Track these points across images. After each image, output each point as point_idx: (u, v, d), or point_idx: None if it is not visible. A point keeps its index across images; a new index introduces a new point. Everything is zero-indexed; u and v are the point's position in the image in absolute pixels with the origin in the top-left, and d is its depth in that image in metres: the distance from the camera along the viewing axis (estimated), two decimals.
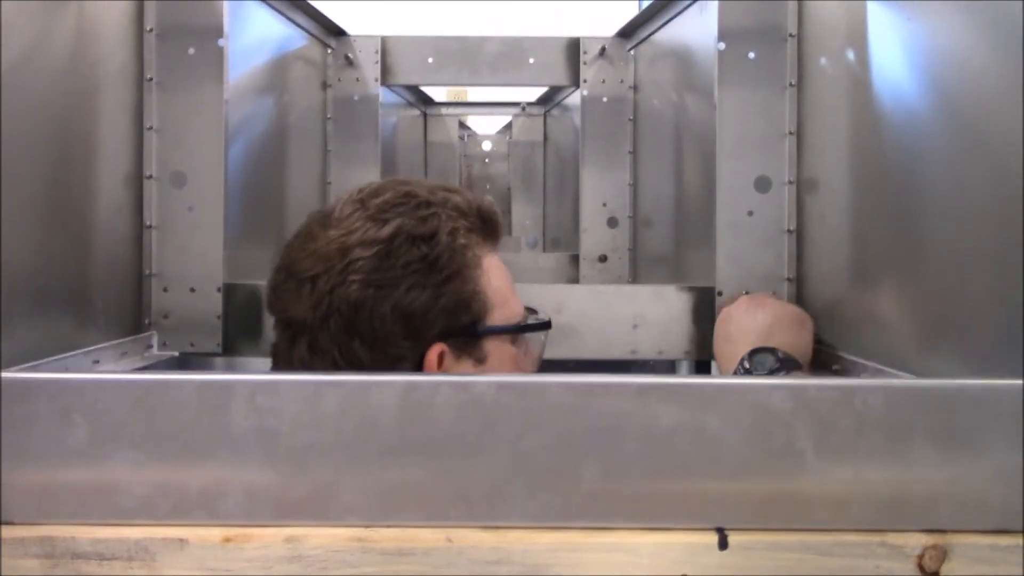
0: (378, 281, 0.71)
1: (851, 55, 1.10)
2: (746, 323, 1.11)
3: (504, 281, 0.78)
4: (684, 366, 1.66)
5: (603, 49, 1.79)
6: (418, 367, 0.72)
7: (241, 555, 0.50)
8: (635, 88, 1.78)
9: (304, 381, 0.52)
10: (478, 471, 0.51)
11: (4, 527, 0.51)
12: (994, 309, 0.80)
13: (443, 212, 0.75)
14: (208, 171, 1.25)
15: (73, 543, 0.50)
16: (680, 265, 1.54)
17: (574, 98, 1.93)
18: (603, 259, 1.81)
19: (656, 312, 1.30)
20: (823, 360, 1.14)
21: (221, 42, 1.24)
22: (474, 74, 1.82)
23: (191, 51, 1.24)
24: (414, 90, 2.24)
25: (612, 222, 1.80)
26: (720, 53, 1.27)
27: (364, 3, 2.35)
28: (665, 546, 0.51)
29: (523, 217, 2.42)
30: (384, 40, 1.80)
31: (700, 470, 0.51)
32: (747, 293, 1.27)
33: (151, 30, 1.23)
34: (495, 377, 0.53)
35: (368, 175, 1.78)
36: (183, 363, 1.27)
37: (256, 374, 0.53)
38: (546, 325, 0.81)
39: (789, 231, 1.26)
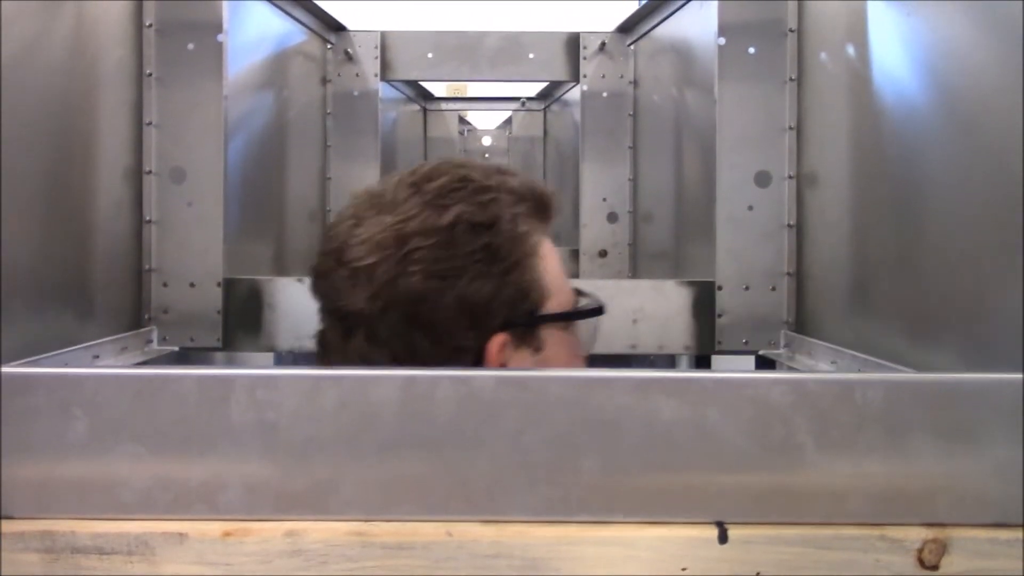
0: (441, 272, 0.68)
1: (851, 50, 1.10)
2: None
3: (558, 266, 0.75)
4: (684, 360, 1.66)
5: (603, 44, 1.79)
6: (479, 358, 0.70)
7: (241, 549, 0.50)
8: (635, 83, 1.78)
9: (303, 376, 0.52)
10: (478, 465, 0.51)
11: (4, 521, 0.51)
12: (993, 303, 0.80)
13: (502, 197, 0.72)
14: (208, 166, 1.24)
15: (73, 537, 0.50)
16: (680, 260, 1.54)
17: (574, 93, 1.93)
18: (603, 254, 1.81)
19: (656, 307, 1.30)
20: (821, 355, 1.14)
21: (220, 38, 1.24)
22: (474, 69, 1.82)
23: (190, 47, 1.24)
24: (414, 85, 2.23)
25: (612, 217, 1.80)
26: (720, 48, 1.26)
27: None
28: (665, 540, 0.51)
29: None
30: (383, 35, 1.80)
31: (700, 464, 0.51)
32: (747, 288, 1.27)
33: (150, 26, 1.23)
34: (495, 372, 0.53)
35: (368, 170, 1.78)
36: (183, 358, 1.27)
37: (255, 368, 0.53)
38: (600, 310, 0.77)
39: (789, 226, 1.26)
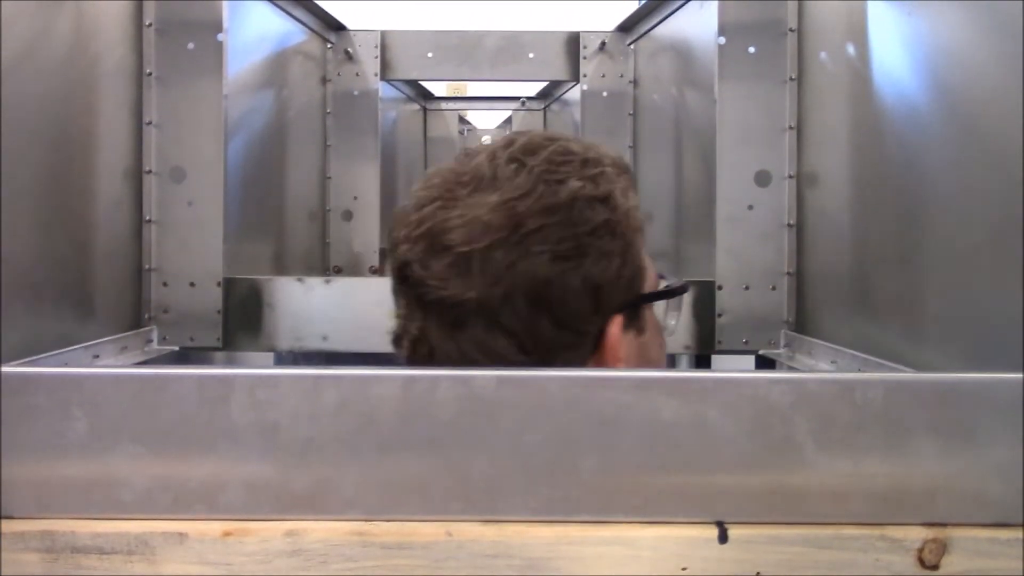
0: (565, 252, 0.63)
1: (851, 49, 1.10)
2: None
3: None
4: (684, 360, 1.66)
5: (603, 44, 1.79)
6: (597, 343, 0.66)
7: (241, 549, 0.50)
8: (635, 83, 1.78)
9: (303, 375, 0.52)
10: (478, 465, 0.51)
11: (4, 521, 0.51)
12: (993, 302, 0.80)
13: (607, 170, 0.67)
14: (208, 166, 1.24)
15: (73, 537, 0.50)
16: (680, 259, 1.54)
17: (574, 93, 1.93)
18: None
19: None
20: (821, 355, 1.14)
21: (220, 37, 1.24)
22: (474, 69, 1.82)
23: (190, 46, 1.24)
24: (414, 85, 2.23)
25: None
26: (720, 47, 1.26)
27: None
28: (665, 540, 0.51)
29: None
30: (384, 35, 1.80)
31: (700, 464, 0.51)
32: (747, 288, 1.27)
33: (150, 25, 1.23)
34: (495, 371, 0.53)
35: (368, 170, 1.78)
36: (183, 358, 1.27)
37: (255, 368, 0.53)
38: (686, 287, 0.74)
39: (789, 225, 1.26)
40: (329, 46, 1.76)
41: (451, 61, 1.80)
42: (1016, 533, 0.51)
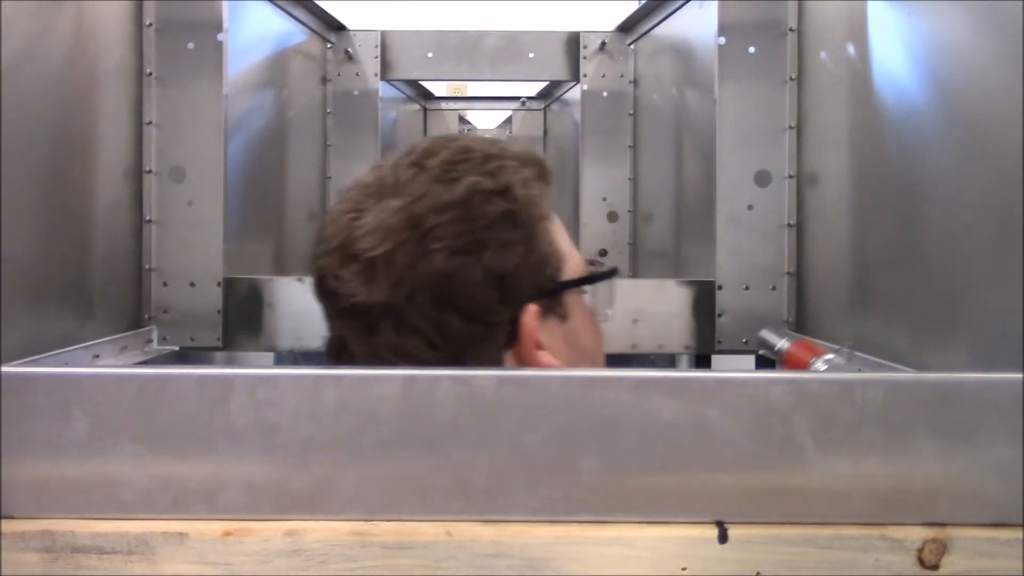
0: (464, 246, 0.65)
1: (851, 49, 1.10)
2: None
3: (565, 233, 0.73)
4: (684, 360, 1.66)
5: (603, 44, 1.79)
6: (513, 333, 0.67)
7: (241, 549, 0.50)
8: (635, 83, 1.78)
9: (303, 375, 0.52)
10: (478, 465, 0.51)
11: (4, 521, 0.51)
12: (994, 303, 0.80)
13: (508, 164, 0.69)
14: (208, 166, 1.25)
15: (73, 537, 0.50)
16: (680, 259, 1.54)
17: (574, 93, 1.93)
18: (603, 253, 1.81)
19: (656, 306, 1.30)
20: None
21: (220, 37, 1.24)
22: (474, 69, 1.82)
23: (190, 46, 1.24)
24: (414, 84, 2.23)
25: (612, 216, 1.80)
26: (720, 47, 1.27)
27: None
28: (665, 540, 0.51)
29: None
30: (384, 35, 1.80)
31: (700, 464, 0.51)
32: (747, 288, 1.27)
33: (150, 25, 1.23)
34: (495, 371, 0.52)
35: None
36: (183, 358, 1.27)
37: (255, 368, 0.53)
38: (616, 271, 0.75)
39: (789, 225, 1.26)
40: (329, 46, 1.76)
41: (451, 61, 1.80)
42: (1016, 533, 0.51)
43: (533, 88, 2.38)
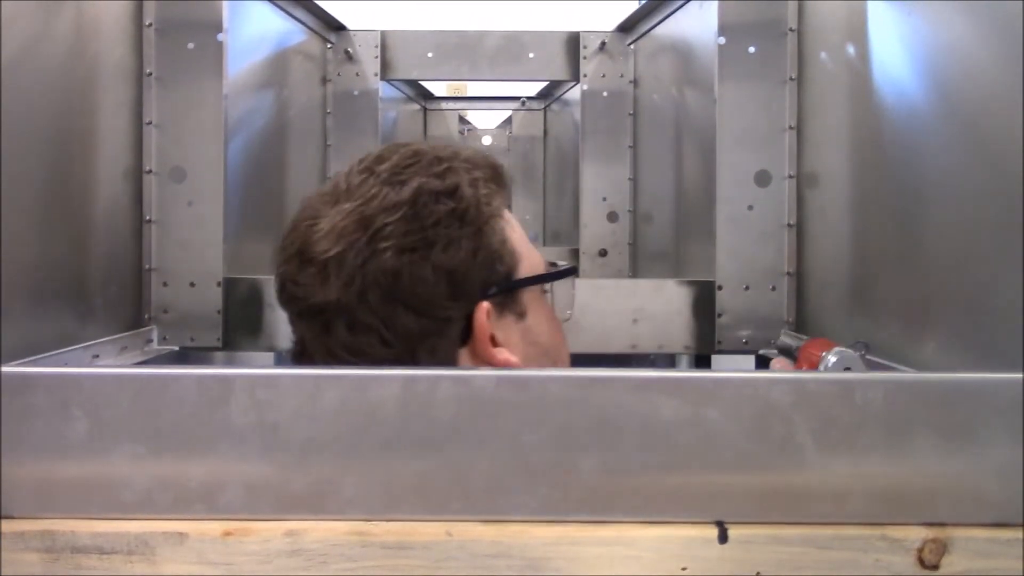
0: (412, 244, 0.67)
1: (851, 49, 1.10)
2: None
3: (523, 233, 0.75)
4: (684, 360, 1.66)
5: (603, 44, 1.79)
6: (467, 330, 0.69)
7: (241, 549, 0.50)
8: (635, 83, 1.78)
9: (303, 376, 0.52)
10: (478, 465, 0.51)
11: (4, 521, 0.51)
12: (993, 302, 0.80)
13: (457, 165, 0.71)
14: (208, 166, 1.24)
15: (73, 537, 0.50)
16: (680, 259, 1.54)
17: (574, 93, 1.93)
18: (603, 253, 1.81)
19: (656, 306, 1.30)
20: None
21: (220, 37, 1.24)
22: (474, 69, 1.82)
23: (190, 46, 1.24)
24: (414, 85, 2.23)
25: (612, 216, 1.80)
26: (720, 47, 1.26)
27: None
28: (665, 540, 0.51)
29: (523, 212, 2.41)
30: (384, 35, 1.80)
31: (700, 464, 0.51)
32: (747, 288, 1.27)
33: (150, 25, 1.23)
34: (495, 371, 0.53)
35: None
36: (183, 358, 1.27)
37: (255, 368, 0.53)
38: (575, 270, 0.77)
39: (789, 225, 1.26)
40: (329, 46, 1.76)
41: (451, 61, 1.80)
42: (1016, 533, 0.51)
43: (533, 88, 2.38)
